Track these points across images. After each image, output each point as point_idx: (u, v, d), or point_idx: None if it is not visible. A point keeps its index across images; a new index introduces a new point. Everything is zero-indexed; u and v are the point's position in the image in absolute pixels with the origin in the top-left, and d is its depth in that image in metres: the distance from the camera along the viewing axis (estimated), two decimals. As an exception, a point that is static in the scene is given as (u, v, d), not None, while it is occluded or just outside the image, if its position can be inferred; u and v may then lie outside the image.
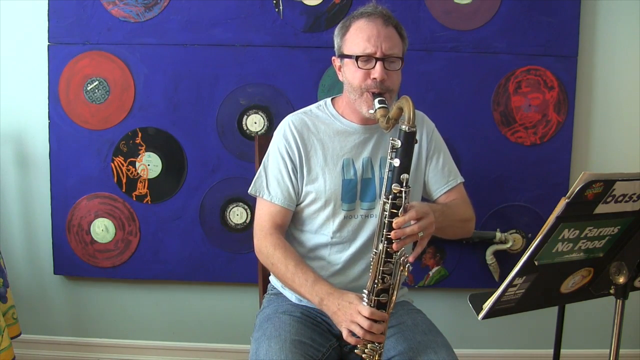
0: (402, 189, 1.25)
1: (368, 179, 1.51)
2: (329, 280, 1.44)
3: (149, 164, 2.16)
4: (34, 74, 2.15)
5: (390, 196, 1.26)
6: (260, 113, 2.14)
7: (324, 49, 2.09)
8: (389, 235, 1.26)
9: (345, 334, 1.31)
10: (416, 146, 1.53)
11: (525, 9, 2.08)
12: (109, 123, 2.15)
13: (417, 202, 1.33)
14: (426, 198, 1.61)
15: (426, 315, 1.55)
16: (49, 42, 2.12)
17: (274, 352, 1.33)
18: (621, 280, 1.24)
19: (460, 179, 1.60)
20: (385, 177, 1.30)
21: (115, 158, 2.15)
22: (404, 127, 1.25)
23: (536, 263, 1.13)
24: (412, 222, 1.27)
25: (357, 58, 1.43)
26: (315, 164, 1.51)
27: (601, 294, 1.30)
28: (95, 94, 2.14)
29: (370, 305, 1.30)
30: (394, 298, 1.31)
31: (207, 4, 2.09)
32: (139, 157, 2.16)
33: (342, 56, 1.49)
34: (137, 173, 2.16)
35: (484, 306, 1.19)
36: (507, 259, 2.15)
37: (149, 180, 2.17)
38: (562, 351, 1.68)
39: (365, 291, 1.31)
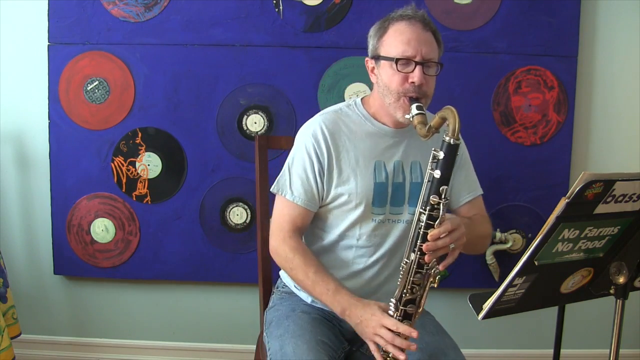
0: (440, 201, 1.24)
1: (399, 184, 1.48)
2: (347, 281, 1.44)
3: (149, 164, 2.16)
4: (34, 74, 2.15)
5: (427, 207, 1.25)
6: (260, 113, 2.14)
7: (324, 49, 2.09)
8: (423, 246, 1.25)
9: (372, 348, 1.30)
10: None
11: (525, 9, 2.08)
12: (109, 123, 2.15)
13: (449, 214, 1.31)
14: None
15: (434, 317, 1.54)
16: (49, 42, 2.11)
17: (302, 351, 1.32)
18: (621, 280, 1.24)
19: (480, 191, 1.59)
20: (424, 187, 1.28)
21: (115, 158, 2.15)
22: (447, 138, 1.23)
23: (536, 263, 1.13)
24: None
25: (396, 61, 1.39)
26: (346, 165, 1.47)
27: (601, 294, 1.30)
28: (95, 94, 2.14)
29: (397, 315, 1.28)
30: (420, 310, 1.30)
31: (207, 4, 2.09)
32: (139, 157, 2.16)
33: (378, 58, 1.45)
34: (137, 173, 2.16)
35: (484, 306, 1.19)
36: (507, 259, 2.15)
37: (149, 180, 2.17)
38: (562, 351, 1.68)
39: (393, 300, 1.30)
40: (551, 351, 1.69)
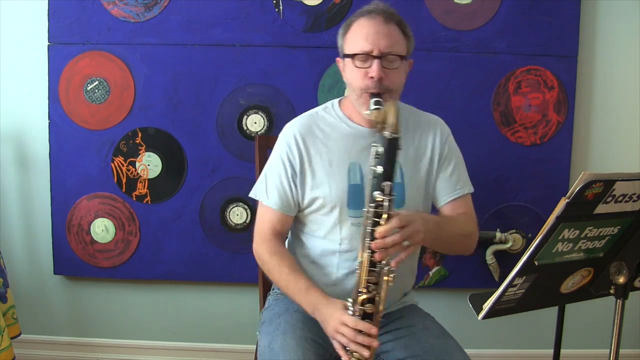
0: (384, 197, 1.21)
1: None
2: (335, 287, 1.43)
3: (149, 164, 2.16)
4: (34, 74, 2.15)
5: (372, 204, 1.22)
6: (260, 113, 2.14)
7: (324, 49, 2.09)
8: (371, 243, 1.23)
9: (336, 346, 1.29)
10: (429, 150, 1.50)
11: (525, 9, 2.08)
12: (109, 123, 2.15)
13: (403, 210, 1.28)
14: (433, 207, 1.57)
15: (435, 319, 1.53)
16: (49, 42, 2.11)
17: (290, 348, 1.31)
18: (621, 280, 1.24)
19: (468, 189, 1.54)
20: (369, 183, 1.26)
21: (115, 158, 2.16)
22: (386, 133, 1.21)
23: (536, 263, 1.14)
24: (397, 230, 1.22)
25: (353, 56, 1.39)
26: (319, 169, 1.46)
27: (601, 294, 1.30)
28: (95, 94, 2.14)
29: (356, 315, 1.27)
30: (380, 308, 1.27)
31: (207, 4, 2.09)
32: (139, 157, 2.16)
33: (344, 56, 1.46)
34: (137, 173, 2.16)
35: (484, 306, 1.19)
36: (507, 259, 2.15)
37: (149, 180, 2.17)
38: (562, 351, 1.68)
39: (350, 300, 1.28)
40: (551, 351, 1.69)
